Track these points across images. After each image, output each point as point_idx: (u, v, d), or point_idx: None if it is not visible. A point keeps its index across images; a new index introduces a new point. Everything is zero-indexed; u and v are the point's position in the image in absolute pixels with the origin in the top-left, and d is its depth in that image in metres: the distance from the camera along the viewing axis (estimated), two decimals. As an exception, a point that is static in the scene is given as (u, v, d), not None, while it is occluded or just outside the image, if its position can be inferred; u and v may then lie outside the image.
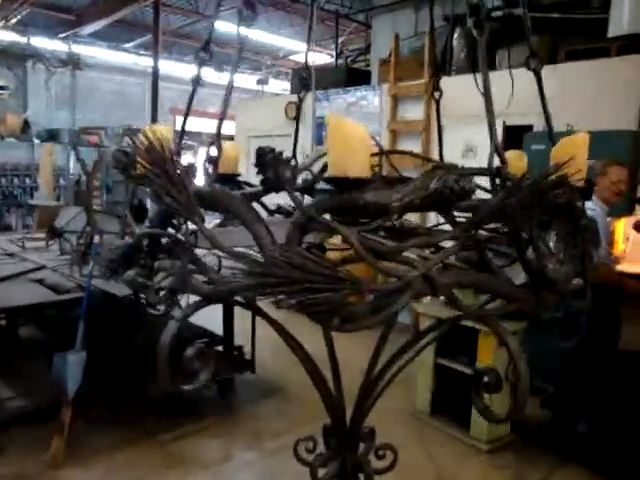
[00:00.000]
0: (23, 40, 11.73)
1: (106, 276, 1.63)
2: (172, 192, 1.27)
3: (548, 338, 3.39)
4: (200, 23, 12.60)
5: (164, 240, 1.45)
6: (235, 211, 1.28)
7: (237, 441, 3.88)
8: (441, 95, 2.03)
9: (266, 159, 1.19)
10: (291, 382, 4.70)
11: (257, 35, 12.93)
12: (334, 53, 10.97)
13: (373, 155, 1.81)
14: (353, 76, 8.39)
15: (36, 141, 13.21)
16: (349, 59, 11.49)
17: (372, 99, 7.13)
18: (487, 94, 1.22)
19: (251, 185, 1.74)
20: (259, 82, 16.15)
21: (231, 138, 8.77)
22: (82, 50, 13.15)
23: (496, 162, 1.22)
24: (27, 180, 12.26)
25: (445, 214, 1.22)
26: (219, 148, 1.34)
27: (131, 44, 13.75)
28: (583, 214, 1.31)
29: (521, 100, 2.41)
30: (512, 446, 3.80)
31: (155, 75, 10.65)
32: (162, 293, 1.41)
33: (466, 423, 3.86)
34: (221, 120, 1.41)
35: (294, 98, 2.61)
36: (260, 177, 1.22)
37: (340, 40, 11.29)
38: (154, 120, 11.09)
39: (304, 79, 2.45)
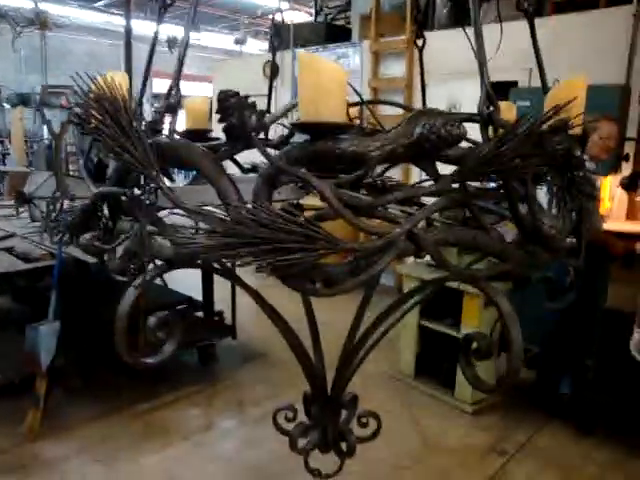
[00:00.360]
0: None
1: (62, 241, 1.50)
2: (125, 144, 1.13)
3: (532, 298, 3.33)
4: (173, -20, 12.04)
5: (124, 200, 1.31)
6: (196, 164, 1.14)
7: (218, 409, 3.81)
8: (424, 43, 1.88)
9: (228, 103, 1.05)
10: (274, 347, 4.62)
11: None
12: (313, 11, 10.60)
13: (352, 105, 1.67)
14: (333, 33, 8.11)
15: (6, 106, 12.72)
16: (329, 17, 11.13)
17: (353, 56, 6.90)
18: (476, 26, 1.09)
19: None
20: (237, 42, 15.68)
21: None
22: (51, 9, 12.55)
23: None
24: (-1, 146, 11.86)
25: (431, 165, 1.10)
26: (177, 94, 1.20)
27: (102, 2, 13.18)
28: (582, 164, 1.20)
29: (505, 55, 2.28)
30: (496, 407, 3.79)
31: (128, 35, 10.19)
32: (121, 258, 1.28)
33: (450, 385, 3.83)
34: (180, 63, 1.25)
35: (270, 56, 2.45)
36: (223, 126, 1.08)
37: (320, -3, 10.90)
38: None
39: (277, 30, 2.29)
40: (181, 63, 1.24)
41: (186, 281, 4.83)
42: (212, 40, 16.43)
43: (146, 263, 1.19)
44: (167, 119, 1.23)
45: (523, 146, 0.98)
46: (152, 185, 1.15)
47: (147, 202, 1.17)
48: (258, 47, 16.45)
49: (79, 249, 1.37)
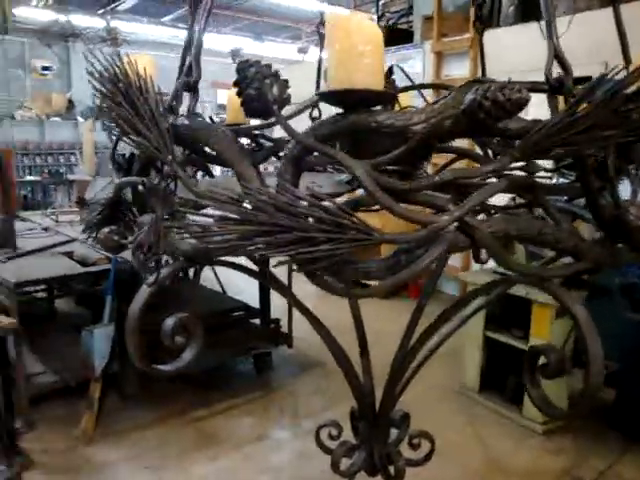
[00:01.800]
0: (63, 18, 11.72)
1: (89, 235, 1.41)
2: (138, 125, 1.02)
3: (610, 306, 3.02)
4: (237, -8, 12.27)
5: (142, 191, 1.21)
6: (215, 146, 1.02)
7: (272, 419, 3.69)
8: (484, 28, 1.72)
9: (247, 72, 0.91)
10: (332, 357, 4.47)
11: (295, 2, 12.54)
12: (375, 17, 10.45)
13: (405, 90, 1.51)
14: (394, 36, 7.92)
15: (80, 119, 13.33)
16: (391, 21, 10.94)
17: (414, 58, 6.69)
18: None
19: (271, 140, 1.46)
20: (300, 51, 15.79)
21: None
22: (121, 26, 13.07)
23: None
24: (72, 158, 12.43)
25: (486, 140, 0.92)
26: (198, 70, 1.08)
27: (168, 17, 13.60)
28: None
29: (578, 49, 2.05)
30: (570, 428, 3.45)
31: (188, 45, 10.42)
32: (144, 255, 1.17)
33: (519, 401, 3.54)
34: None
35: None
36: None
37: (381, 2, 10.76)
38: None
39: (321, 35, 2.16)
40: (199, 40, 1.12)
41: (244, 288, 4.78)
42: (275, 50, 16.60)
43: (161, 257, 1.07)
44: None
45: (601, 114, 0.79)
46: (168, 172, 1.04)
47: (163, 190, 1.06)
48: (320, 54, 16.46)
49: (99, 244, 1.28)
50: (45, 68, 13.81)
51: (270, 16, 14.36)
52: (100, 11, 12.39)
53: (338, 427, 1.69)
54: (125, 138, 1.05)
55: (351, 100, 0.86)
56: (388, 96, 0.88)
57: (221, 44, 15.62)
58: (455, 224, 0.85)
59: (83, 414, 3.35)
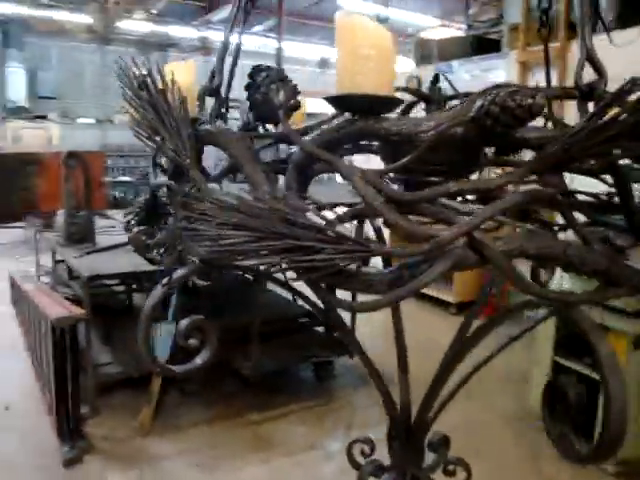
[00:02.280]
0: (162, 30, 12.41)
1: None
2: (160, 130, 1.04)
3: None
4: (325, 2, 12.44)
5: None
6: (230, 150, 1.01)
7: (326, 429, 3.66)
8: (549, 35, 1.63)
9: (256, 78, 0.90)
10: (396, 368, 4.37)
11: (382, 12, 12.51)
12: (464, 26, 10.21)
13: (451, 98, 1.44)
14: (480, 46, 7.69)
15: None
16: (480, 31, 10.64)
17: (499, 68, 6.46)
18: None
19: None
20: (387, 61, 15.72)
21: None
22: (214, 36, 13.63)
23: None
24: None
25: (500, 149, 0.85)
26: (220, 74, 1.08)
27: (259, 27, 14.02)
28: None
29: None
30: (647, 470, 3.16)
31: (279, 56, 10.71)
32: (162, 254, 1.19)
33: (588, 434, 3.28)
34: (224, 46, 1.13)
35: (416, 72, 2.29)
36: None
37: (470, 12, 10.51)
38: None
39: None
40: (225, 46, 1.12)
41: (312, 295, 4.78)
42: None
43: (178, 256, 1.08)
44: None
45: (630, 121, 0.71)
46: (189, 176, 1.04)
47: (183, 194, 1.06)
48: (409, 65, 16.34)
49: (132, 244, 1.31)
50: (144, 76, 14.63)
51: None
52: (195, 22, 13.02)
53: (371, 444, 1.64)
54: (148, 141, 1.07)
55: (355, 105, 0.82)
56: (395, 102, 0.83)
57: (309, 53, 15.89)
58: (463, 239, 0.79)
59: (143, 406, 3.48)
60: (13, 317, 4.85)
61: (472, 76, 6.80)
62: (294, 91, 0.89)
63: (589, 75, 0.89)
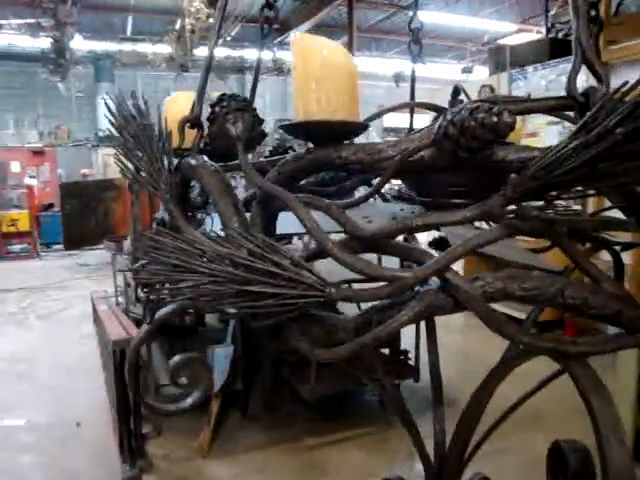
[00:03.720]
0: (237, 54, 12.84)
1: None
2: (141, 165, 1.01)
3: None
4: (398, 16, 12.37)
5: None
6: (203, 183, 0.96)
7: (385, 458, 3.51)
8: (600, 31, 1.45)
9: (215, 108, 0.84)
10: (465, 394, 4.14)
11: (460, 21, 12.25)
12: (544, 29, 9.76)
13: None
14: (559, 49, 7.27)
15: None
16: (561, 33, 10.11)
17: (579, 72, 6.07)
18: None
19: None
20: (464, 71, 15.35)
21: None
22: (290, 57, 13.94)
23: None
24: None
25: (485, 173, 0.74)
26: (200, 104, 1.03)
27: (333, 46, 14.17)
28: None
29: None
30: None
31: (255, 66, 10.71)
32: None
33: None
34: (205, 74, 1.08)
35: (489, 81, 2.18)
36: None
37: (551, 13, 10.03)
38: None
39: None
40: (206, 76, 1.06)
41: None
42: (439, 71, 16.35)
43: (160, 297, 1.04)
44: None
45: (624, 138, 0.58)
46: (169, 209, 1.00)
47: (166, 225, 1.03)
48: (486, 74, 15.88)
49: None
50: (221, 100, 15.21)
51: (434, 37, 14.20)
52: (274, 42, 13.36)
53: (401, 482, 1.52)
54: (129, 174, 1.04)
55: (311, 133, 0.74)
56: (355, 127, 0.74)
57: (385, 68, 15.82)
58: (436, 281, 0.69)
59: (204, 427, 3.50)
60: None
61: (548, 82, 6.43)
62: (255, 122, 0.82)
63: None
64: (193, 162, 1.01)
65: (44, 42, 10.28)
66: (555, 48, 7.27)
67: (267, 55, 13.51)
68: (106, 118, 1.07)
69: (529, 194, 0.64)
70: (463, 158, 0.66)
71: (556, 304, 0.70)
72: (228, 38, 11.72)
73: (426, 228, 0.70)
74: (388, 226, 0.70)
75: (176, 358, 1.06)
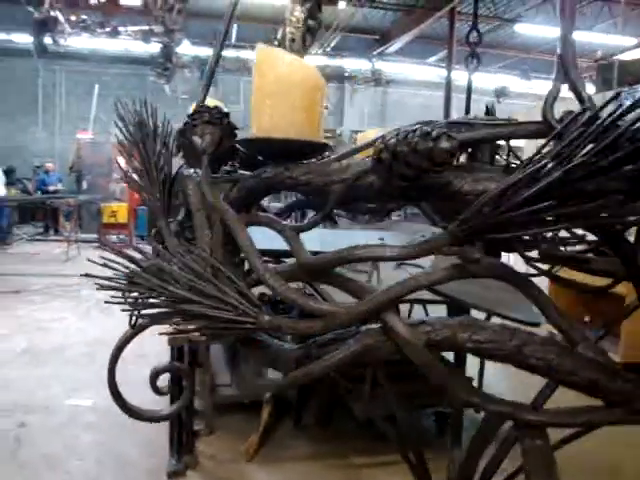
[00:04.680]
0: (337, 63, 12.99)
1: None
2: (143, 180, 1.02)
3: None
4: (502, 29, 11.94)
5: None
6: (187, 195, 0.94)
7: (433, 486, 3.35)
8: None
9: (188, 119, 0.82)
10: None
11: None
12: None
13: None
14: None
15: (342, 154, 14.52)
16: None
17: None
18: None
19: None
20: (572, 88, 14.54)
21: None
22: (388, 67, 13.88)
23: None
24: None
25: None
26: (205, 95, 0.99)
27: (434, 58, 13.94)
28: None
29: None
30: None
31: (448, 85, 10.51)
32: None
33: None
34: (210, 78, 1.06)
35: (595, 99, 2.08)
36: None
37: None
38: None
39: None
40: (209, 77, 1.05)
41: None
42: (544, 88, 15.59)
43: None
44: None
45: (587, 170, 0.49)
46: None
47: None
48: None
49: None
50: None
51: (542, 52, 13.57)
52: (374, 53, 13.39)
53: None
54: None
55: (265, 151, 0.70)
56: (312, 146, 0.69)
57: (487, 82, 15.34)
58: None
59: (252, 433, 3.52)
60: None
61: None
62: (225, 134, 0.78)
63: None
64: (185, 173, 1.00)
65: (155, 47, 11.00)
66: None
67: (366, 65, 13.56)
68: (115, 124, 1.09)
69: (478, 233, 0.55)
70: (416, 186, 0.59)
71: (515, 362, 0.61)
72: (328, 48, 11.89)
73: (368, 260, 0.63)
74: (328, 256, 0.64)
75: (156, 368, 1.06)
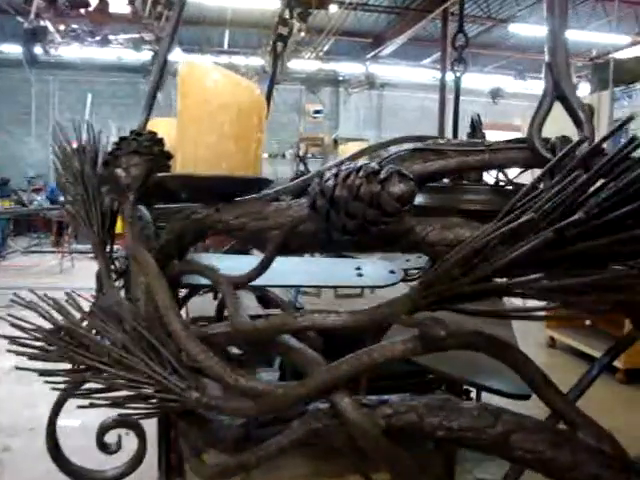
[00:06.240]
0: (329, 67, 12.90)
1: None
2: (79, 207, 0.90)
3: None
4: (497, 30, 11.84)
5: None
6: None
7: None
8: None
9: (112, 149, 0.70)
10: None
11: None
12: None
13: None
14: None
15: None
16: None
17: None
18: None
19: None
20: (567, 87, 14.45)
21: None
22: (383, 70, 13.78)
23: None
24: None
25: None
26: (146, 119, 0.87)
27: (428, 60, 13.84)
28: None
29: None
30: None
31: (442, 88, 10.38)
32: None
33: None
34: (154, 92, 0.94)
35: (589, 99, 1.94)
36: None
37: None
38: (455, 135, 10.72)
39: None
40: (151, 100, 0.92)
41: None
42: (539, 87, 15.50)
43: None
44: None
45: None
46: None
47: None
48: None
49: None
50: (316, 112, 15.30)
51: (535, 52, 13.47)
52: (369, 56, 13.28)
53: None
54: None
55: (188, 189, 0.58)
56: (244, 184, 0.57)
57: (482, 83, 15.24)
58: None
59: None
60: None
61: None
62: (156, 166, 0.66)
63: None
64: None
65: (146, 55, 10.91)
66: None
67: (360, 69, 13.46)
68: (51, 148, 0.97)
69: (445, 301, 0.43)
70: (368, 236, 0.46)
71: (500, 454, 0.49)
72: (321, 53, 11.79)
73: (312, 329, 0.51)
74: (263, 324, 0.52)
75: (106, 421, 0.93)
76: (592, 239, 0.36)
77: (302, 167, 11.00)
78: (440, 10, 9.70)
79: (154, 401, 0.55)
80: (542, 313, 0.45)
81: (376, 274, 1.07)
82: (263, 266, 0.57)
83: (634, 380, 4.79)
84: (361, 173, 0.43)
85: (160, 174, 0.62)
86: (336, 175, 0.45)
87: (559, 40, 0.55)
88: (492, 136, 1.16)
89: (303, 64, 12.57)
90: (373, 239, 0.46)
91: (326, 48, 11.97)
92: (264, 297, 1.52)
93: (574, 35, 11.57)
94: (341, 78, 14.48)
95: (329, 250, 0.56)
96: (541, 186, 0.46)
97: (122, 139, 0.71)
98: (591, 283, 0.36)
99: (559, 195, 0.38)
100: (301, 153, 14.43)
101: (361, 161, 0.47)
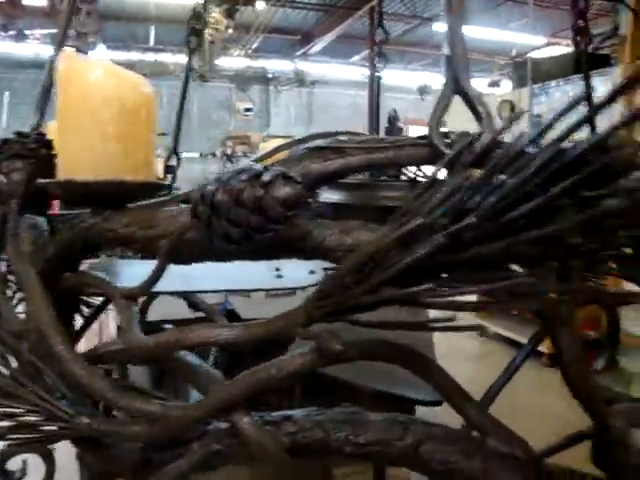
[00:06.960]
0: (258, 64, 12.78)
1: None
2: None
3: None
4: (423, 28, 12.11)
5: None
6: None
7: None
8: None
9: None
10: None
11: (487, 34, 11.92)
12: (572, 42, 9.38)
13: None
14: (588, 62, 6.91)
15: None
16: (591, 46, 9.69)
17: (601, 88, 5.73)
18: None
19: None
20: (491, 85, 14.96)
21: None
22: (313, 68, 13.79)
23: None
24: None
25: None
26: (39, 120, 0.79)
27: (357, 57, 13.98)
28: None
29: None
30: None
31: (371, 85, 10.52)
32: None
33: None
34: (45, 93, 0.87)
35: (510, 96, 1.94)
36: None
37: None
38: (376, 130, 10.86)
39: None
40: (46, 94, 0.85)
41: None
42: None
43: None
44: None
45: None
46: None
47: None
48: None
49: None
50: (247, 109, 15.12)
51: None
52: (298, 53, 13.25)
53: None
54: None
55: (68, 196, 0.53)
56: (130, 190, 0.52)
57: (410, 81, 15.56)
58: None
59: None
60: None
61: (570, 97, 6.09)
62: (40, 169, 0.60)
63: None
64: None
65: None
66: (581, 62, 6.92)
67: (289, 66, 13.41)
68: None
69: (341, 312, 0.40)
70: (258, 242, 0.43)
71: (411, 466, 0.47)
72: (249, 50, 11.66)
73: (206, 344, 0.48)
74: (152, 341, 0.48)
75: (8, 447, 0.85)
76: (488, 242, 0.34)
77: (229, 166, 10.84)
78: (367, 8, 9.80)
79: (45, 429, 0.50)
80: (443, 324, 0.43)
81: (296, 275, 1.04)
82: (155, 277, 0.53)
83: (557, 363, 5.00)
84: (243, 176, 0.40)
85: (42, 180, 0.56)
86: (218, 179, 0.42)
87: (457, 35, 0.54)
88: (419, 131, 1.16)
89: (232, 61, 12.36)
90: (267, 245, 0.43)
91: (255, 45, 11.85)
92: (191, 301, 1.46)
93: (496, 35, 12.02)
94: (270, 76, 14.38)
95: (222, 260, 0.53)
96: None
97: (4, 141, 0.64)
98: (483, 291, 0.35)
99: (451, 196, 0.36)
100: (229, 152, 14.21)
101: (244, 163, 0.43)
